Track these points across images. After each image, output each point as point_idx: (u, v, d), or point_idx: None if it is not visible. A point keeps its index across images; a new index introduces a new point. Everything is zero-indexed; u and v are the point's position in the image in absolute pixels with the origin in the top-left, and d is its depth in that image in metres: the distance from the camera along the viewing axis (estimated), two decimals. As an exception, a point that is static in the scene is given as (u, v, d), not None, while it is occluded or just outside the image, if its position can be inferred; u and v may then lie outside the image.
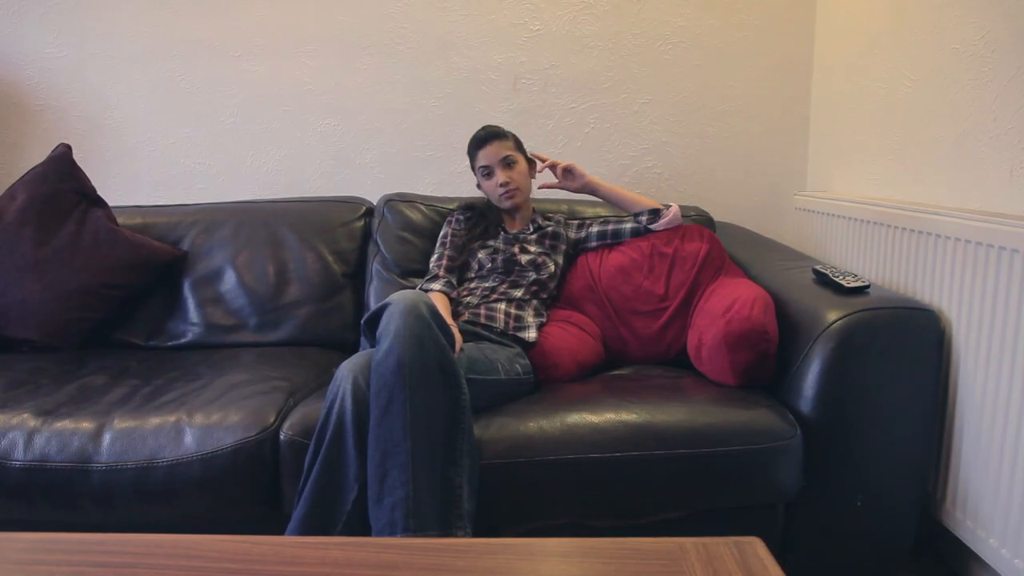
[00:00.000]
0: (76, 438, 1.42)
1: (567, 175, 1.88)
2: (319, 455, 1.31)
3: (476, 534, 1.27)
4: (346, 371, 1.35)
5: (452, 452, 1.27)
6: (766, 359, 1.44)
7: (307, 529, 1.29)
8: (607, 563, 0.77)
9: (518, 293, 1.78)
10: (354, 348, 2.00)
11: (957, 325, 1.37)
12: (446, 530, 1.23)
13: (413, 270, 2.01)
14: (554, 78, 2.28)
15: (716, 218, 2.20)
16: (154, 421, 1.45)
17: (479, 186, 1.93)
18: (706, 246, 1.77)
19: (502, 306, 1.73)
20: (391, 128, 2.34)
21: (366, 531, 1.26)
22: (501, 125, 1.90)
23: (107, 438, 1.42)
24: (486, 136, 1.85)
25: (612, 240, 1.92)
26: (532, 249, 1.87)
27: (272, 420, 1.45)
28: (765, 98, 2.30)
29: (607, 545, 0.80)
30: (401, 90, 2.31)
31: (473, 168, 1.91)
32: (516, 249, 1.86)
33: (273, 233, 2.08)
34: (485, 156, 1.85)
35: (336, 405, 1.31)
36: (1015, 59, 1.31)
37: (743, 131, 2.32)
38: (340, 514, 1.29)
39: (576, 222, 2.00)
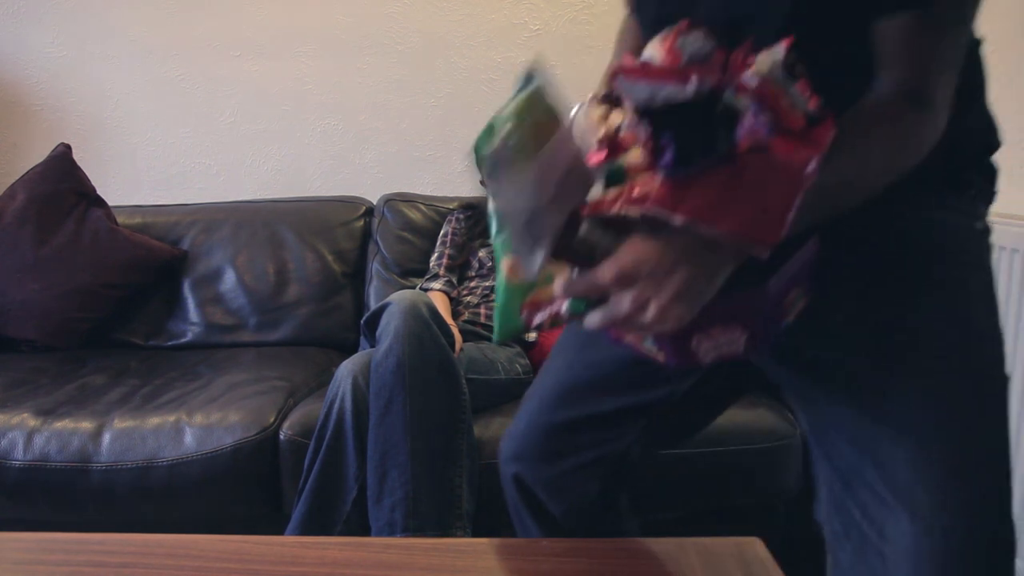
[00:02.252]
0: (76, 438, 1.42)
1: None
2: (319, 455, 1.31)
3: (476, 534, 1.27)
4: (346, 371, 1.35)
5: (452, 452, 1.27)
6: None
7: (307, 529, 1.29)
8: (606, 563, 0.77)
9: (518, 293, 1.78)
10: (354, 348, 2.00)
11: (957, 325, 1.37)
12: (446, 530, 1.23)
13: (413, 270, 2.01)
14: (554, 78, 2.28)
15: (716, 218, 2.19)
16: (154, 421, 1.45)
17: (483, 183, 1.92)
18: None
19: (502, 306, 1.73)
20: (391, 128, 2.33)
21: (366, 531, 1.26)
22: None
23: (107, 438, 1.42)
24: None
25: (612, 240, 1.92)
26: (532, 249, 1.87)
27: (272, 420, 1.45)
28: (765, 98, 2.30)
29: (606, 545, 0.80)
30: (401, 90, 2.31)
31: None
32: (516, 249, 1.86)
33: (273, 233, 2.08)
34: None
35: (336, 405, 1.32)
36: (1015, 59, 1.31)
37: (743, 131, 2.31)
38: (340, 514, 1.29)
39: (576, 222, 1.99)
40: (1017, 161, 1.30)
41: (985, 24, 1.39)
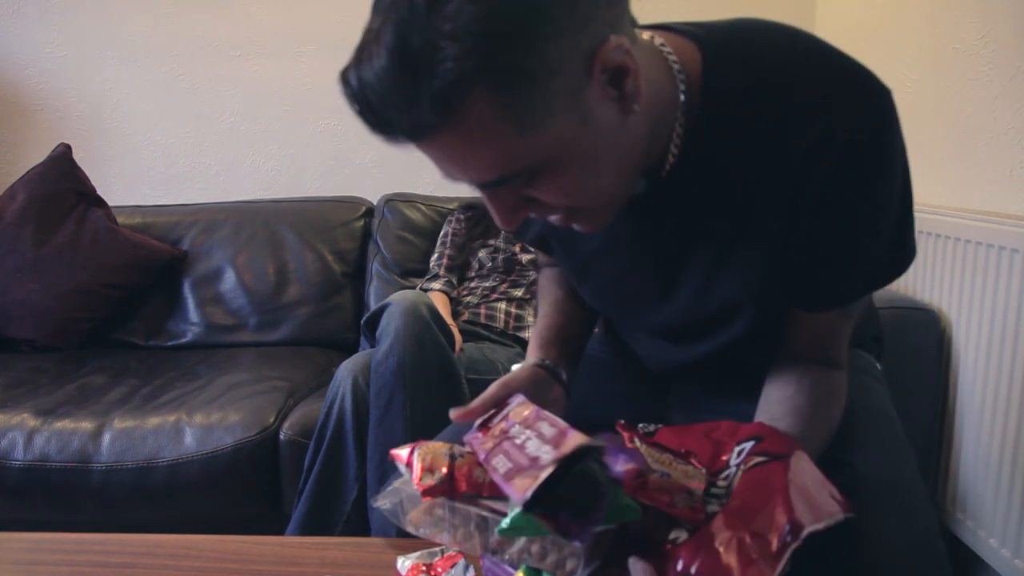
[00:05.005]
0: (76, 438, 1.42)
1: None
2: (319, 455, 1.31)
3: (476, 534, 1.27)
4: (346, 371, 1.35)
5: (452, 452, 1.27)
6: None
7: (307, 529, 1.29)
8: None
9: (518, 293, 1.78)
10: (354, 348, 2.00)
11: (957, 325, 1.37)
12: (446, 530, 1.23)
13: (413, 270, 2.01)
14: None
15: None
16: (154, 421, 1.45)
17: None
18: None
19: (502, 305, 1.73)
20: (391, 128, 2.33)
21: (366, 531, 1.26)
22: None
23: (107, 438, 1.42)
24: None
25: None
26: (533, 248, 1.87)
27: (272, 420, 1.45)
28: (765, 98, 2.30)
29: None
30: (401, 90, 2.31)
31: None
32: (517, 248, 1.86)
33: (273, 233, 2.07)
34: None
35: (336, 405, 1.32)
36: (1015, 59, 1.31)
37: (743, 131, 2.31)
38: (340, 514, 1.29)
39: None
40: (1017, 161, 1.30)
41: (985, 24, 1.40)
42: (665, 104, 0.65)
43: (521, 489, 0.54)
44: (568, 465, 0.55)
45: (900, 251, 0.72)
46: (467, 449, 0.65)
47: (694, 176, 0.67)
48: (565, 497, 0.55)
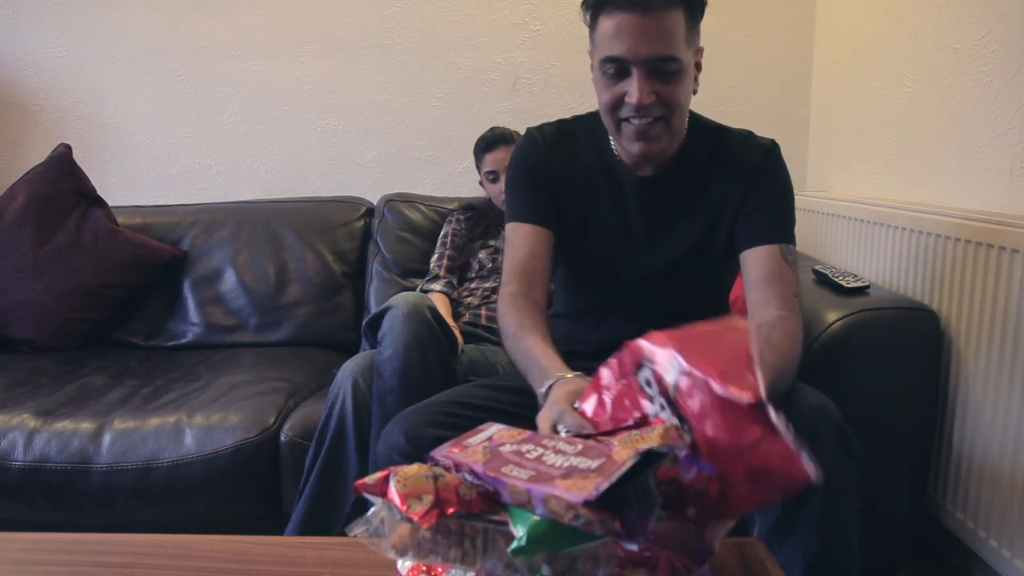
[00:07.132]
0: (76, 438, 1.42)
1: None
2: (320, 456, 1.31)
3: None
4: (347, 373, 1.35)
5: (452, 452, 1.27)
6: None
7: (307, 529, 1.29)
8: (607, 563, 0.77)
9: (518, 293, 1.78)
10: (354, 348, 2.00)
11: (957, 325, 1.37)
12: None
13: (413, 270, 2.01)
14: (554, 78, 2.28)
15: (716, 218, 2.19)
16: (154, 422, 1.45)
17: (482, 184, 1.92)
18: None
19: (502, 306, 1.73)
20: (391, 128, 2.33)
21: (366, 532, 1.26)
22: (504, 126, 1.89)
23: (107, 438, 1.42)
24: (493, 140, 1.83)
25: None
26: (532, 249, 1.86)
27: (272, 421, 1.45)
28: (765, 98, 2.30)
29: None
30: (401, 90, 2.31)
31: (478, 169, 1.90)
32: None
33: (273, 233, 2.07)
34: (492, 161, 1.83)
35: (337, 407, 1.32)
36: (1015, 59, 1.31)
37: (743, 131, 2.31)
38: (340, 515, 1.29)
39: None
40: (1017, 161, 1.30)
41: (985, 24, 1.40)
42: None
43: (577, 488, 0.54)
44: (632, 468, 0.55)
45: (793, 225, 1.16)
46: (439, 469, 0.64)
47: (684, 171, 1.16)
48: (625, 499, 0.55)
